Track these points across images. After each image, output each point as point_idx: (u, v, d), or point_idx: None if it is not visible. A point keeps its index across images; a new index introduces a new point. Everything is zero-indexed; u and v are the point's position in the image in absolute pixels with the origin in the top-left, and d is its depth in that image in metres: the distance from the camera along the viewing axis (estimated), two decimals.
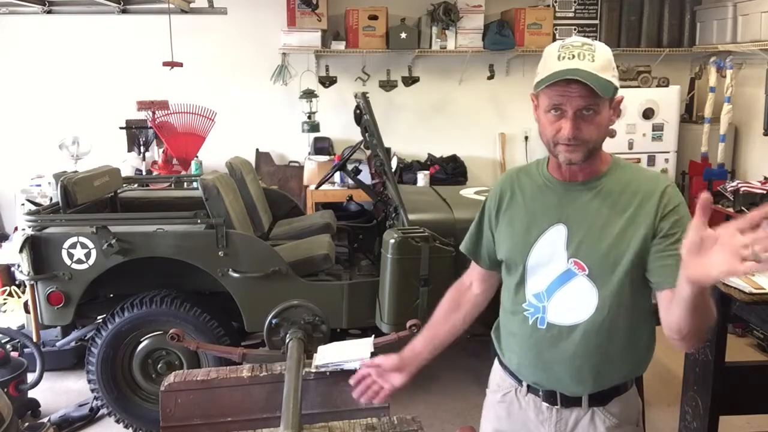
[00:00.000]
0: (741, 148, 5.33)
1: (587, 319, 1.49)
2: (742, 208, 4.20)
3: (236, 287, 3.25)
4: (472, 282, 1.79)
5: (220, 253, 3.20)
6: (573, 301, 1.50)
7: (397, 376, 1.76)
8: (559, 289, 1.51)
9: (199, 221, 3.21)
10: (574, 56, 1.39)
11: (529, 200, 1.58)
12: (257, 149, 5.65)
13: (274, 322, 2.55)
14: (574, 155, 1.43)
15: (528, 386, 1.62)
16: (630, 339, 1.53)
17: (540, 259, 1.53)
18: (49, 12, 5.34)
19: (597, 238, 1.47)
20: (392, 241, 3.08)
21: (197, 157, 5.14)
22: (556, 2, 5.54)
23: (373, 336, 2.42)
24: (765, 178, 4.58)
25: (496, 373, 1.74)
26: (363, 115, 3.68)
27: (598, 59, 1.39)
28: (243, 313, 3.28)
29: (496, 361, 1.74)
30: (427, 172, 5.36)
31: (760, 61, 4.81)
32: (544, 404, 1.59)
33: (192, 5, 5.07)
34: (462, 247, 1.77)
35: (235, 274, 3.21)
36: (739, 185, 4.31)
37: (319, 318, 2.59)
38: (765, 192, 4.23)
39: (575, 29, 5.55)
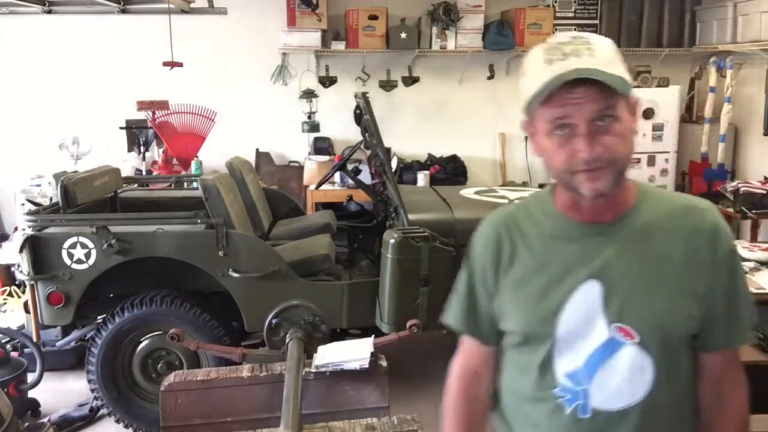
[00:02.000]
0: (741, 148, 5.33)
1: (644, 399, 1.17)
2: (743, 208, 4.20)
3: (236, 287, 3.25)
4: (476, 371, 1.37)
5: (220, 253, 3.20)
6: (623, 379, 1.16)
7: None
8: (602, 365, 1.17)
9: (199, 221, 3.21)
10: (566, 55, 1.09)
11: (539, 253, 1.22)
12: (257, 149, 5.65)
13: (274, 322, 2.55)
14: (601, 183, 1.10)
15: None
16: (696, 412, 1.24)
17: (573, 328, 1.18)
18: (49, 12, 5.35)
19: (646, 294, 1.15)
20: (392, 241, 3.08)
21: (197, 157, 5.14)
22: (556, 2, 5.55)
23: (373, 336, 2.43)
24: (765, 178, 4.58)
25: None
26: (363, 115, 3.69)
27: (599, 53, 1.10)
28: (243, 313, 3.28)
29: None
30: (427, 172, 5.36)
31: (760, 61, 4.81)
32: None
33: (192, 5, 5.08)
34: (451, 320, 1.36)
35: (235, 274, 3.21)
36: (739, 185, 4.31)
37: (319, 318, 2.60)
38: (765, 192, 4.24)
39: (575, 29, 5.56)
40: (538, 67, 1.12)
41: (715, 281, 1.16)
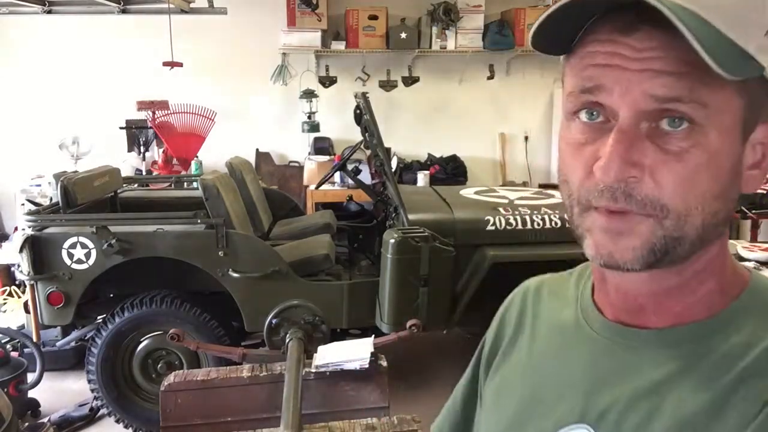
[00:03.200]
0: None
1: None
2: (742, 208, 4.20)
3: (236, 287, 3.25)
4: None
5: (220, 253, 3.20)
6: None
7: None
8: None
9: (199, 221, 3.22)
10: None
11: (540, 346, 0.74)
12: (257, 149, 5.65)
13: (274, 322, 2.55)
14: (621, 244, 0.57)
15: None
16: None
17: None
18: (49, 12, 5.34)
19: None
20: (392, 241, 3.08)
21: (197, 157, 5.14)
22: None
23: (373, 336, 2.43)
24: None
25: None
26: (363, 115, 3.69)
27: None
28: (243, 313, 3.28)
29: None
30: (427, 172, 5.36)
31: None
32: None
33: (192, 5, 5.08)
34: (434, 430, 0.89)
35: (235, 274, 3.21)
36: None
37: (319, 318, 2.59)
38: (765, 192, 4.23)
39: None
40: None
41: None
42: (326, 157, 5.44)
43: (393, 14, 5.48)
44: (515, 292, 0.83)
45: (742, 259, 2.64)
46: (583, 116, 0.59)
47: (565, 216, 0.63)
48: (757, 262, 2.59)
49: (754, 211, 4.18)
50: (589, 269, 0.73)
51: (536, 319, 0.76)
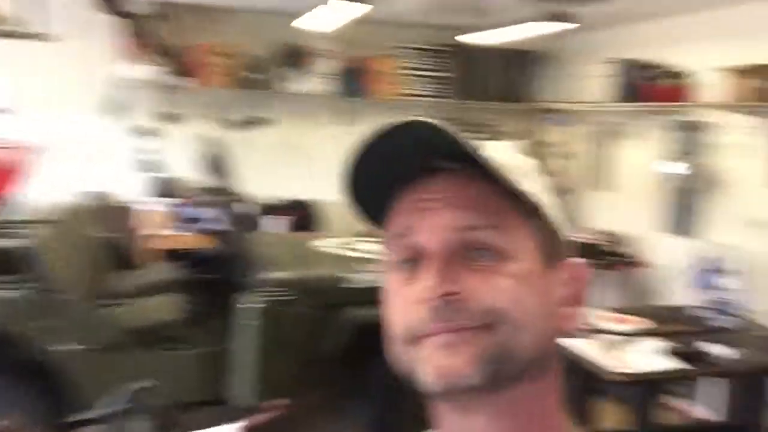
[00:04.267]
0: (575, 202, 5.72)
1: None
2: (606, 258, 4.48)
3: (67, 362, 2.83)
4: None
5: (47, 321, 2.78)
6: None
7: None
8: None
9: (22, 285, 2.78)
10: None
11: None
12: (93, 190, 5.10)
13: (119, 410, 2.24)
14: (459, 358, 0.56)
15: None
16: None
17: None
18: None
19: None
20: (255, 307, 2.86)
21: (20, 195, 4.55)
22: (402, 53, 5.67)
23: (242, 421, 2.21)
24: (602, 232, 4.93)
25: None
26: (212, 159, 3.47)
27: (495, 144, 0.63)
28: (76, 393, 2.85)
29: None
30: (280, 217, 5.19)
31: (592, 119, 5.24)
32: None
33: (17, 29, 4.52)
34: None
35: (66, 347, 2.79)
36: (580, 237, 4.61)
37: (171, 402, 2.32)
38: (595, 242, 4.57)
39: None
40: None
41: None
42: (171, 200, 5.06)
43: (245, 53, 5.28)
44: None
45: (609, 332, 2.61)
46: (402, 265, 0.62)
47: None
48: (625, 335, 2.61)
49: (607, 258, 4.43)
50: None
51: None
